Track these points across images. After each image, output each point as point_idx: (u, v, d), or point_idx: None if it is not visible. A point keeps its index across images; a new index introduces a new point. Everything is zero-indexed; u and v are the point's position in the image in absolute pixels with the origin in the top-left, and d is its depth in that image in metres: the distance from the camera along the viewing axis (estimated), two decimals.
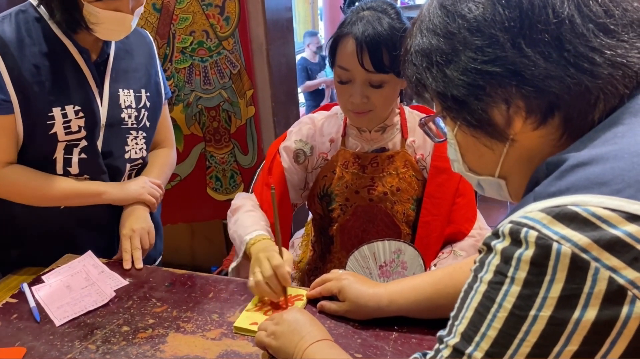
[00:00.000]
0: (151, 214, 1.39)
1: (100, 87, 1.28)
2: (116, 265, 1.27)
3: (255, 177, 1.68)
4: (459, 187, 1.28)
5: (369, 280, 1.07)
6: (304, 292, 1.12)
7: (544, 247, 0.51)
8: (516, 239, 0.54)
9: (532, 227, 0.52)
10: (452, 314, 0.62)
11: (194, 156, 2.46)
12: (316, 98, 5.79)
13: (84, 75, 1.25)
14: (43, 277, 1.21)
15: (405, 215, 1.28)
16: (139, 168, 1.42)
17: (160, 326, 1.06)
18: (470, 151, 0.71)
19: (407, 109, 1.33)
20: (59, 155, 1.25)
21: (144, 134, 1.38)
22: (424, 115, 1.34)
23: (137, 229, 1.28)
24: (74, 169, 1.28)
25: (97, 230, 1.37)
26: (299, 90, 4.98)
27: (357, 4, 1.22)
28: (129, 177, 1.40)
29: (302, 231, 1.58)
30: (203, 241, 2.79)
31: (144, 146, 1.39)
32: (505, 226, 0.55)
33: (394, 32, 1.13)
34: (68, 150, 1.25)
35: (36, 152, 1.25)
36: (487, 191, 0.75)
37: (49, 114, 1.20)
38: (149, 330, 1.05)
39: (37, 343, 1.02)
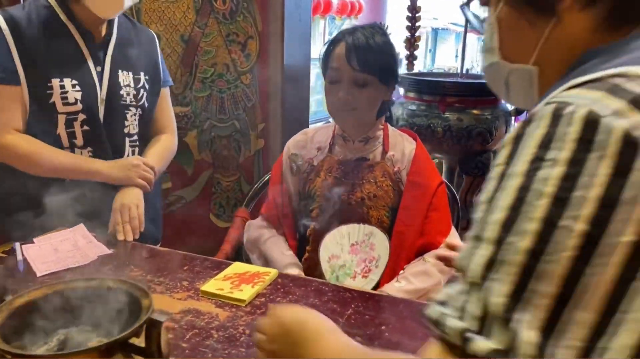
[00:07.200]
0: (151, 200, 1.47)
1: (101, 66, 1.43)
2: (104, 239, 1.34)
3: (251, 194, 1.77)
4: (433, 201, 1.35)
5: None
6: (272, 270, 1.17)
7: (592, 123, 0.47)
8: (557, 118, 0.50)
9: (578, 105, 0.49)
10: (470, 234, 0.53)
11: (202, 180, 2.57)
12: None
13: (84, 55, 1.40)
14: (35, 239, 1.29)
15: (379, 221, 1.34)
16: (139, 146, 1.53)
17: None
18: (511, 31, 0.70)
19: (391, 127, 1.44)
20: (62, 130, 1.37)
21: (141, 113, 1.51)
22: (406, 135, 1.44)
23: (127, 204, 1.36)
24: (79, 140, 1.39)
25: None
26: None
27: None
28: (131, 154, 1.50)
29: None
30: None
31: (137, 123, 1.51)
32: (542, 109, 0.52)
33: (381, 43, 1.29)
34: (69, 124, 1.38)
35: (42, 126, 1.37)
36: (515, 89, 0.72)
37: (48, 84, 1.34)
38: None
39: (17, 287, 1.09)
